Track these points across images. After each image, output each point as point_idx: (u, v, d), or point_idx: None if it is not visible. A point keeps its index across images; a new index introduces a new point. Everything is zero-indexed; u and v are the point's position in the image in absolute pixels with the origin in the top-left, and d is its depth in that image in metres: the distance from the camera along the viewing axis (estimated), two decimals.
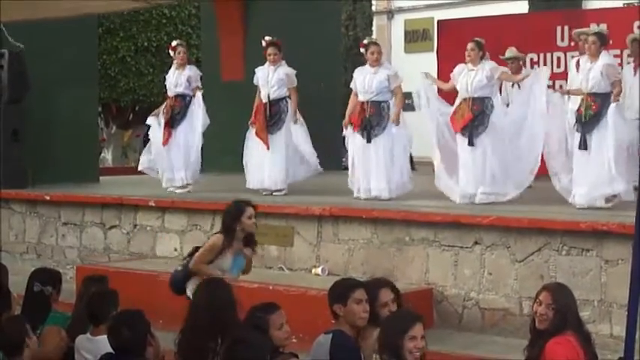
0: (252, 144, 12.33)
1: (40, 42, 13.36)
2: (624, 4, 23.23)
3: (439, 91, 11.26)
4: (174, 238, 11.92)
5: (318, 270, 10.43)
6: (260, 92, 12.32)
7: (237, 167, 12.95)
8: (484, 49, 10.79)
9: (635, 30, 13.01)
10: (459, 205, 10.57)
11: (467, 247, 9.63)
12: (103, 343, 5.83)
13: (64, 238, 13.07)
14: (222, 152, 15.97)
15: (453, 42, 13.15)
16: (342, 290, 5.99)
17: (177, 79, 12.92)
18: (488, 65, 10.69)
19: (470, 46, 10.74)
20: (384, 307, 6.00)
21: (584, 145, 9.96)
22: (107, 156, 27.12)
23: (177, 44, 13.17)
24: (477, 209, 10.13)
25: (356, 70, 11.62)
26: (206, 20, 18.11)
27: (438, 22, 17.86)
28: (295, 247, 10.83)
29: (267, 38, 12.35)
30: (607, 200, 9.96)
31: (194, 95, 12.77)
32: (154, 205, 12.11)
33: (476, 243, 9.57)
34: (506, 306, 9.30)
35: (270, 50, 12.29)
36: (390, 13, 33.30)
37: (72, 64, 14.42)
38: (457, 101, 10.78)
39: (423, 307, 9.47)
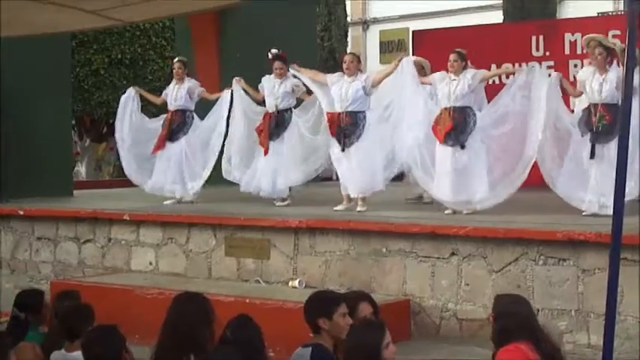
0: (260, 151, 12.33)
1: (13, 55, 13.27)
2: (598, 13, 23.40)
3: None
4: (149, 251, 11.84)
5: (295, 283, 10.37)
6: (265, 101, 12.38)
7: (215, 179, 12.90)
8: (466, 59, 10.82)
9: (610, 39, 13.02)
10: (435, 215, 10.55)
11: (444, 258, 9.61)
12: (78, 358, 5.77)
13: (37, 253, 12.96)
14: None
15: (429, 52, 13.14)
16: (328, 304, 5.93)
17: (177, 93, 13.04)
18: (470, 74, 10.70)
19: (452, 57, 10.75)
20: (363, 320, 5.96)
21: (593, 155, 10.08)
22: (81, 169, 26.94)
23: (177, 60, 13.37)
24: (453, 219, 10.11)
25: (329, 75, 11.70)
26: (180, 33, 18.05)
27: (413, 32, 17.89)
28: (272, 260, 10.77)
29: (273, 51, 12.38)
30: None
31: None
32: (128, 218, 12.03)
33: (453, 254, 9.55)
34: (483, 316, 9.26)
35: (276, 64, 12.34)
36: (365, 24, 33.36)
37: (45, 76, 14.33)
38: (438, 111, 10.77)
39: (400, 318, 9.47)
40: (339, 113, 11.29)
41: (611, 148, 9.89)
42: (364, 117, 11.25)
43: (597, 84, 10.31)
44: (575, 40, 14.59)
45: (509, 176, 10.44)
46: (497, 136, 10.59)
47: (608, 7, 26.35)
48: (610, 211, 9.80)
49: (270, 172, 12.16)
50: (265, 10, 15.93)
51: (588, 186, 10.12)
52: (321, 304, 5.99)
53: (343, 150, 11.27)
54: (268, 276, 10.78)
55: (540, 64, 14.02)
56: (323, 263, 10.40)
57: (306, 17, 18.31)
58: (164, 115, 13.23)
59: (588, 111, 10.36)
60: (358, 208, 11.25)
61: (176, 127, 12.97)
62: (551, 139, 10.38)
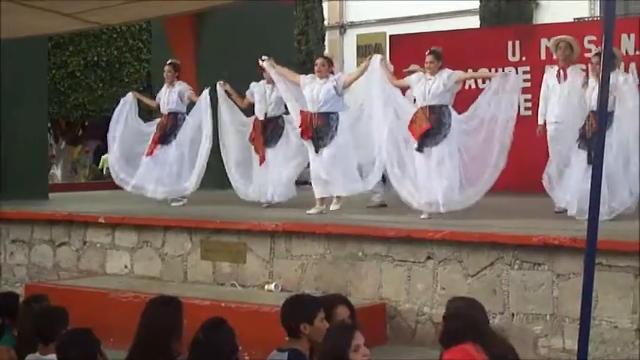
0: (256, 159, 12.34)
1: None
2: (574, 18, 23.49)
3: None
4: (124, 255, 11.80)
5: (271, 286, 10.36)
6: (255, 108, 12.42)
7: (208, 184, 12.93)
8: (443, 58, 10.85)
9: (586, 45, 13.12)
10: (411, 219, 10.57)
11: (420, 262, 9.62)
12: None
13: (12, 255, 12.88)
14: None
15: (405, 57, 13.18)
16: (309, 309, 5.91)
17: (169, 96, 13.21)
18: (446, 73, 10.73)
19: (429, 58, 10.77)
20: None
21: (590, 161, 9.94)
22: (56, 172, 26.83)
23: (168, 63, 13.47)
24: (429, 223, 10.12)
25: (302, 77, 11.73)
26: (157, 35, 18.01)
27: (390, 36, 17.89)
28: (248, 264, 10.76)
29: (264, 57, 12.34)
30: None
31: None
32: (103, 221, 11.98)
33: (429, 258, 9.57)
34: None
35: None
36: (343, 28, 33.38)
37: (21, 79, 14.25)
38: (414, 110, 10.79)
39: (376, 322, 9.47)
40: (312, 114, 11.32)
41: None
42: (337, 118, 11.28)
43: (591, 91, 10.36)
44: None
45: (479, 181, 10.48)
46: (470, 140, 10.62)
47: (584, 13, 26.46)
48: (602, 217, 10.07)
49: (271, 180, 12.19)
50: (242, 13, 15.91)
51: (575, 191, 10.16)
52: (302, 309, 5.97)
53: (317, 151, 11.30)
54: (244, 280, 10.77)
55: (517, 69, 14.12)
56: (299, 267, 10.40)
57: (283, 21, 18.30)
58: (157, 120, 13.40)
59: (586, 119, 10.43)
60: (332, 207, 11.28)
61: (168, 129, 13.13)
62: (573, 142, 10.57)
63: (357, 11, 32.43)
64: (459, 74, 10.96)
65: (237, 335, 5.57)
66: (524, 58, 14.82)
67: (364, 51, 31.09)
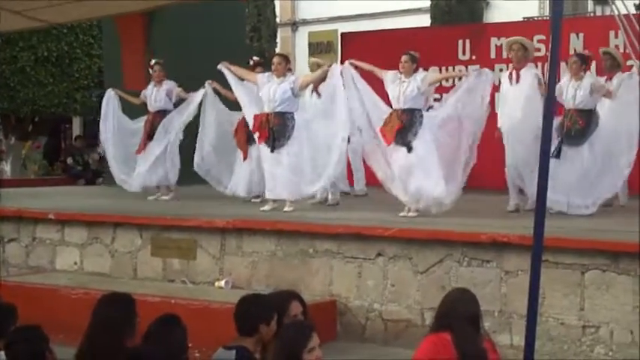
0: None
1: None
2: (524, 18, 23.70)
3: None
4: (74, 251, 11.73)
5: (222, 283, 10.36)
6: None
7: (186, 179, 12.94)
8: (418, 62, 10.87)
9: (536, 44, 13.24)
10: (362, 216, 10.63)
11: (370, 259, 9.67)
12: (1, 358, 5.70)
13: None
14: None
15: (357, 54, 13.19)
16: (268, 309, 5.86)
17: (157, 95, 13.43)
18: (420, 76, 10.74)
19: (404, 58, 10.79)
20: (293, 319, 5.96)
21: (557, 155, 10.58)
22: (6, 167, 26.56)
23: (155, 62, 13.61)
24: (379, 221, 10.17)
25: (259, 76, 11.71)
26: (108, 30, 17.87)
27: (342, 34, 17.94)
28: (198, 260, 10.75)
29: (255, 58, 12.65)
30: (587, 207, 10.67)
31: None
32: (53, 217, 11.91)
33: (379, 255, 9.61)
34: (408, 317, 9.36)
35: (258, 69, 12.41)
36: (294, 25, 33.38)
37: None
38: (387, 113, 10.80)
39: (326, 319, 9.50)
40: (268, 114, 11.32)
41: (582, 151, 10.65)
42: (292, 118, 11.28)
43: (572, 90, 10.85)
44: (501, 45, 14.73)
45: (453, 179, 10.52)
46: (442, 138, 10.66)
47: (533, 12, 26.69)
48: (580, 211, 10.46)
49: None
50: (194, 10, 15.86)
51: (557, 186, 10.37)
52: (262, 309, 5.94)
53: (272, 151, 11.28)
54: (194, 276, 10.76)
55: (467, 67, 14.22)
56: (250, 264, 10.41)
57: (235, 17, 18.27)
58: (144, 117, 13.58)
59: (563, 116, 10.91)
60: (285, 208, 11.27)
61: (157, 127, 13.35)
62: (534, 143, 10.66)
63: (309, 9, 32.45)
64: (433, 76, 10.99)
65: (187, 332, 5.57)
66: (474, 57, 14.94)
67: (316, 48, 31.16)
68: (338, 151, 11.03)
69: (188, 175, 13.21)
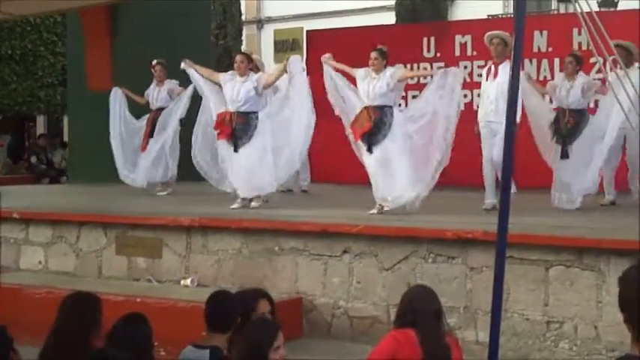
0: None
1: None
2: (488, 16, 23.80)
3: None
4: (38, 250, 11.67)
5: (187, 281, 10.34)
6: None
7: (105, 177, 12.80)
8: (387, 58, 10.88)
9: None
10: (327, 214, 10.64)
11: (336, 256, 9.68)
12: None
13: None
14: (90, 162, 15.72)
15: (322, 52, 13.18)
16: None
17: (158, 94, 13.72)
18: (389, 71, 10.75)
19: (373, 55, 10.80)
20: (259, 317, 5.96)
21: (566, 155, 10.95)
22: None
23: (157, 62, 13.79)
24: (345, 217, 10.18)
25: (222, 75, 11.68)
26: (72, 28, 17.78)
27: (307, 32, 17.96)
28: (164, 259, 10.72)
29: (254, 57, 12.53)
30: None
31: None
32: (17, 217, 11.82)
33: (345, 252, 9.63)
34: (374, 314, 9.39)
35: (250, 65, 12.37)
36: (260, 23, 33.32)
37: None
38: (357, 109, 10.82)
39: (292, 316, 9.51)
40: (231, 113, 11.31)
41: (574, 148, 10.91)
42: (256, 117, 11.29)
43: (565, 90, 11.13)
44: (466, 42, 14.85)
45: (425, 177, 10.53)
46: (414, 136, 10.66)
47: (498, 10, 26.80)
48: (568, 205, 10.74)
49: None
50: (159, 7, 15.82)
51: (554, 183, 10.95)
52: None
53: (236, 150, 11.28)
54: (160, 275, 10.73)
55: (431, 65, 14.26)
56: (215, 262, 10.39)
57: (200, 15, 18.23)
58: (147, 115, 13.88)
59: (557, 115, 11.19)
60: (252, 204, 11.29)
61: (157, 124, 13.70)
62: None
63: (275, 6, 32.39)
64: (402, 73, 10.96)
65: (153, 331, 5.55)
66: (439, 54, 15.00)
67: (281, 46, 31.13)
68: (303, 141, 11.16)
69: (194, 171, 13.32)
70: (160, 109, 13.67)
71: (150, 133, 13.66)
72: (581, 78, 11.21)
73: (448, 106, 10.53)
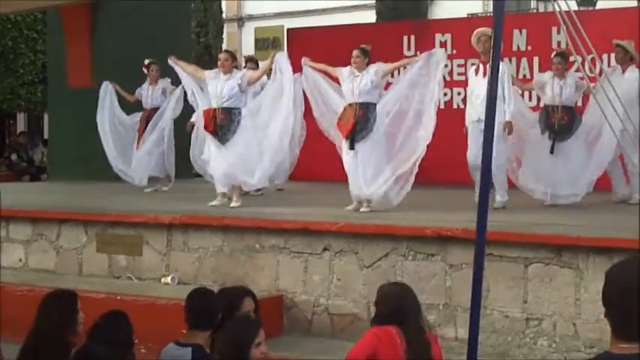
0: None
1: None
2: (468, 14, 23.86)
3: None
4: (18, 248, 11.64)
5: (168, 279, 10.35)
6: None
7: (86, 175, 12.78)
8: (370, 56, 10.90)
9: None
10: (308, 211, 10.66)
11: (316, 254, 9.70)
12: None
13: None
14: (70, 160, 15.70)
15: (303, 50, 13.22)
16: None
17: (153, 93, 13.85)
18: (373, 68, 10.77)
19: (355, 53, 10.84)
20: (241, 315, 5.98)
21: (552, 150, 11.16)
22: None
23: (150, 62, 13.88)
24: (325, 215, 10.21)
25: (206, 72, 11.70)
26: (52, 25, 17.73)
27: (288, 30, 17.96)
28: (144, 256, 10.72)
29: (246, 55, 12.47)
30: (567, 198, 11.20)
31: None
32: None
33: (325, 249, 9.65)
34: (354, 311, 9.41)
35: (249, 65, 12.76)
36: (241, 21, 33.30)
37: None
38: (342, 107, 10.84)
39: (273, 314, 9.51)
40: (215, 109, 11.33)
41: (567, 145, 11.13)
42: (239, 113, 11.31)
43: (558, 87, 11.30)
44: (446, 41, 14.90)
45: (405, 173, 10.54)
46: (390, 130, 10.69)
47: (477, 9, 26.90)
48: (569, 199, 10.96)
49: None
50: (140, 4, 15.80)
51: (542, 178, 11.16)
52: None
53: (222, 144, 11.31)
54: (140, 272, 10.72)
55: None
56: (196, 259, 10.40)
57: (181, 13, 18.21)
58: (138, 114, 13.99)
59: (546, 111, 11.37)
60: (232, 204, 11.28)
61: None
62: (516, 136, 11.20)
63: (256, 4, 32.38)
64: (385, 68, 10.96)
65: (134, 328, 5.56)
66: (419, 53, 14.96)
67: (262, 44, 31.12)
68: (285, 137, 11.23)
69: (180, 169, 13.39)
70: (155, 109, 13.77)
71: (145, 131, 13.72)
72: (572, 75, 11.38)
73: (428, 90, 10.54)
